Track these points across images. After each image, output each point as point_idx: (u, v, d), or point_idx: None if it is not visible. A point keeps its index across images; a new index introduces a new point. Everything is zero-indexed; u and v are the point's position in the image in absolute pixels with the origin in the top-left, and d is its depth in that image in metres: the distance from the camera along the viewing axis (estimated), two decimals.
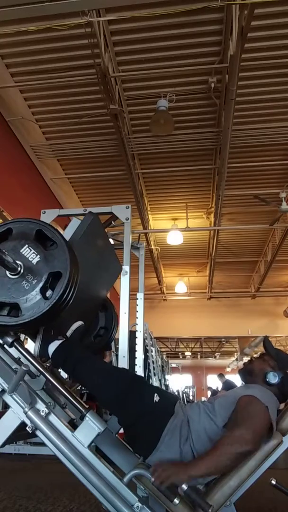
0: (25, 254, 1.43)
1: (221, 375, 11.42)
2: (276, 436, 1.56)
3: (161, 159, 5.94)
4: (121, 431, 1.85)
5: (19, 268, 1.40)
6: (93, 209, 4.79)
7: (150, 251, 8.57)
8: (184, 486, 1.29)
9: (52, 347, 1.63)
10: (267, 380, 1.70)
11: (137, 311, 4.64)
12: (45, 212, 4.23)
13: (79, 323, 1.77)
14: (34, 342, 1.64)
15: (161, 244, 8.66)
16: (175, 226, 7.77)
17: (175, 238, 7.76)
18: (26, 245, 1.44)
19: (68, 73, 4.42)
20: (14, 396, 1.42)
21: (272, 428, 1.52)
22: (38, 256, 1.43)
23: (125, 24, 3.91)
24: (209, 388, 15.78)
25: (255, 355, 1.91)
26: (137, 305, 4.64)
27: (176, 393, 11.54)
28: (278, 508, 2.65)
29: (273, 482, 1.51)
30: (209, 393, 15.08)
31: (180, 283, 10.76)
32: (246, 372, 1.81)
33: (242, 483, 1.49)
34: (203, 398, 13.86)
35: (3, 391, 1.43)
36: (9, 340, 1.52)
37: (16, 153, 5.41)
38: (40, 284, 1.40)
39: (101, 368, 1.70)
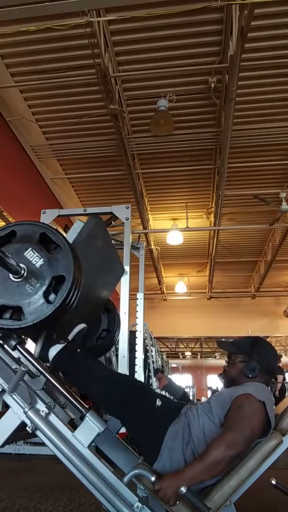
0: (28, 257, 1.42)
1: (221, 375, 11.40)
2: (276, 436, 1.56)
3: (161, 159, 5.94)
4: (121, 431, 1.85)
5: (22, 271, 1.40)
6: (93, 209, 4.80)
7: (150, 251, 8.57)
8: (183, 489, 1.29)
9: (53, 351, 1.62)
10: (250, 376, 1.67)
11: (137, 311, 4.64)
12: (45, 212, 4.23)
13: (81, 325, 1.76)
14: (36, 344, 1.64)
15: (161, 244, 8.66)
16: (175, 226, 7.77)
17: (175, 238, 7.77)
18: (30, 248, 1.43)
19: (68, 73, 4.42)
20: (14, 396, 1.41)
21: (270, 423, 1.52)
22: (42, 259, 1.42)
23: (125, 24, 3.91)
24: (209, 388, 15.78)
25: (225, 364, 1.86)
26: (137, 305, 4.64)
27: None
28: (278, 508, 2.65)
29: (273, 482, 1.51)
30: (209, 393, 15.08)
31: (180, 283, 10.76)
32: (229, 383, 1.77)
33: (242, 483, 1.48)
34: (203, 398, 13.86)
35: (3, 391, 1.43)
36: (13, 343, 1.52)
37: (16, 153, 5.41)
38: (43, 288, 1.39)
39: (102, 376, 1.69)
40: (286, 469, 2.90)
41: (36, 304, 1.39)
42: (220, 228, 7.67)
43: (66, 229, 5.28)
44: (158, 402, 1.62)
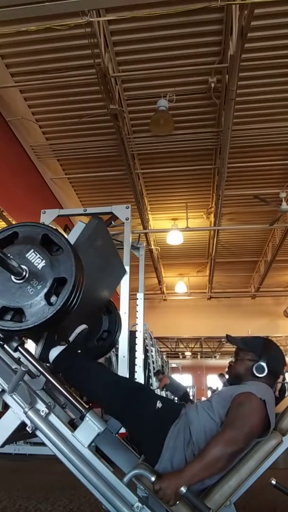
0: (30, 259, 1.41)
1: (221, 375, 11.41)
2: (276, 436, 1.56)
3: (161, 159, 5.94)
4: (121, 431, 1.85)
5: (24, 273, 1.39)
6: (93, 209, 4.81)
7: (150, 251, 8.57)
8: (183, 489, 1.29)
9: (54, 352, 1.62)
10: (257, 375, 1.67)
11: (137, 311, 4.65)
12: (45, 212, 4.23)
13: (82, 326, 1.76)
14: (37, 344, 1.64)
15: (161, 244, 8.66)
16: (175, 226, 7.77)
17: (175, 238, 7.77)
18: (32, 250, 1.43)
19: (68, 73, 4.42)
20: (14, 396, 1.41)
21: (269, 422, 1.52)
22: (44, 261, 1.41)
23: (125, 24, 3.91)
24: (209, 388, 15.78)
25: (232, 360, 1.87)
26: (137, 305, 4.65)
27: None
28: (278, 508, 2.65)
29: (273, 482, 1.51)
30: (209, 393, 15.08)
31: (180, 283, 10.77)
32: (234, 379, 1.77)
33: (242, 483, 1.48)
34: (203, 398, 13.85)
35: (3, 391, 1.43)
36: (14, 344, 1.52)
37: (16, 153, 5.41)
38: (45, 290, 1.39)
39: (102, 378, 1.69)
40: (286, 469, 2.90)
41: (37, 306, 1.38)
42: (220, 228, 7.67)
43: (66, 229, 5.29)
44: (159, 404, 1.62)
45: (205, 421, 1.57)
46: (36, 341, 1.65)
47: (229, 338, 1.89)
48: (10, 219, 6.90)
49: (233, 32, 3.71)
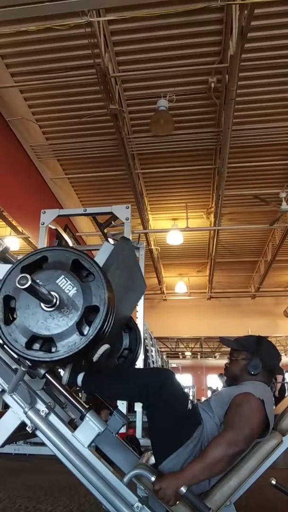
0: (61, 286, 1.34)
1: (221, 375, 11.41)
2: (276, 436, 1.56)
3: (161, 159, 5.94)
4: (121, 431, 1.85)
5: (54, 300, 1.32)
6: (93, 209, 4.82)
7: (150, 251, 8.57)
8: (183, 489, 1.29)
9: (81, 376, 1.61)
10: (252, 373, 1.68)
11: (137, 311, 4.65)
12: (45, 212, 4.24)
13: (105, 346, 1.72)
14: (64, 370, 1.62)
15: (161, 244, 8.66)
16: (175, 226, 7.77)
17: (175, 238, 7.77)
18: (62, 276, 1.35)
19: (68, 73, 4.42)
20: (14, 396, 1.42)
21: (269, 422, 1.52)
22: (75, 288, 1.34)
23: (125, 24, 3.91)
24: (209, 388, 15.77)
25: (226, 361, 1.87)
26: (137, 305, 4.65)
27: None
28: (278, 508, 2.65)
29: (273, 482, 1.51)
30: (209, 393, 15.07)
31: (180, 283, 10.76)
32: (231, 379, 1.77)
33: (242, 483, 1.48)
34: (203, 398, 13.85)
35: (3, 391, 1.43)
36: (42, 372, 1.48)
37: (16, 153, 5.41)
38: (76, 319, 1.32)
39: (135, 374, 1.72)
40: (286, 469, 2.90)
41: (68, 336, 1.32)
42: (220, 228, 7.67)
43: (66, 229, 5.28)
44: (190, 405, 1.62)
45: (207, 423, 1.58)
46: (63, 367, 1.62)
47: (222, 340, 1.89)
48: (10, 219, 6.91)
49: (233, 32, 3.70)
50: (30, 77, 4.51)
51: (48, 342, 1.34)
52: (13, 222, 7.01)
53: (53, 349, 1.33)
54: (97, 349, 1.68)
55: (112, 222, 4.87)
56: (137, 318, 4.66)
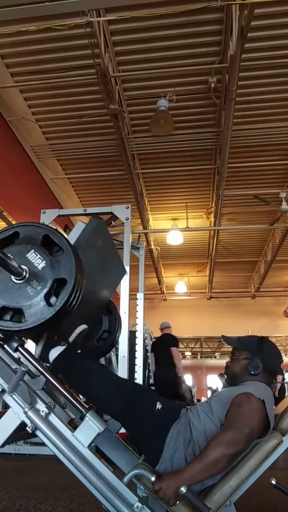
0: (30, 259, 1.41)
1: (221, 375, 11.41)
2: (276, 436, 1.56)
3: (161, 159, 5.94)
4: (121, 431, 1.85)
5: (24, 273, 1.39)
6: (93, 209, 4.81)
7: (150, 251, 8.57)
8: (183, 489, 1.29)
9: (54, 353, 1.62)
10: (252, 373, 1.67)
11: (137, 311, 4.65)
12: (45, 212, 4.24)
13: (82, 327, 1.76)
14: (36, 345, 1.64)
15: (161, 244, 8.66)
16: (175, 226, 7.77)
17: (175, 238, 7.77)
18: (32, 250, 1.42)
19: (68, 73, 4.42)
20: (14, 396, 1.42)
21: (269, 422, 1.52)
22: (44, 261, 1.41)
23: (125, 24, 3.91)
24: (209, 388, 15.77)
25: (228, 360, 1.87)
26: (137, 305, 4.65)
27: None
28: (278, 508, 2.64)
29: (273, 482, 1.51)
30: (209, 393, 15.08)
31: (180, 283, 10.76)
32: (232, 379, 1.77)
33: (242, 483, 1.48)
34: (203, 398, 13.85)
35: (3, 391, 1.43)
36: (14, 344, 1.52)
37: (16, 153, 5.41)
38: (45, 290, 1.39)
39: (102, 378, 1.69)
40: (286, 469, 2.90)
41: (37, 306, 1.38)
42: (220, 228, 7.67)
43: (66, 229, 5.29)
44: (158, 405, 1.61)
45: (206, 424, 1.57)
46: (36, 342, 1.65)
47: (224, 338, 1.89)
48: (10, 219, 6.90)
49: (233, 32, 3.71)
50: (30, 77, 4.51)
51: (18, 314, 1.41)
52: (13, 222, 7.01)
53: (22, 320, 1.39)
54: (74, 329, 1.70)
55: (112, 222, 4.87)
56: (137, 318, 4.66)
